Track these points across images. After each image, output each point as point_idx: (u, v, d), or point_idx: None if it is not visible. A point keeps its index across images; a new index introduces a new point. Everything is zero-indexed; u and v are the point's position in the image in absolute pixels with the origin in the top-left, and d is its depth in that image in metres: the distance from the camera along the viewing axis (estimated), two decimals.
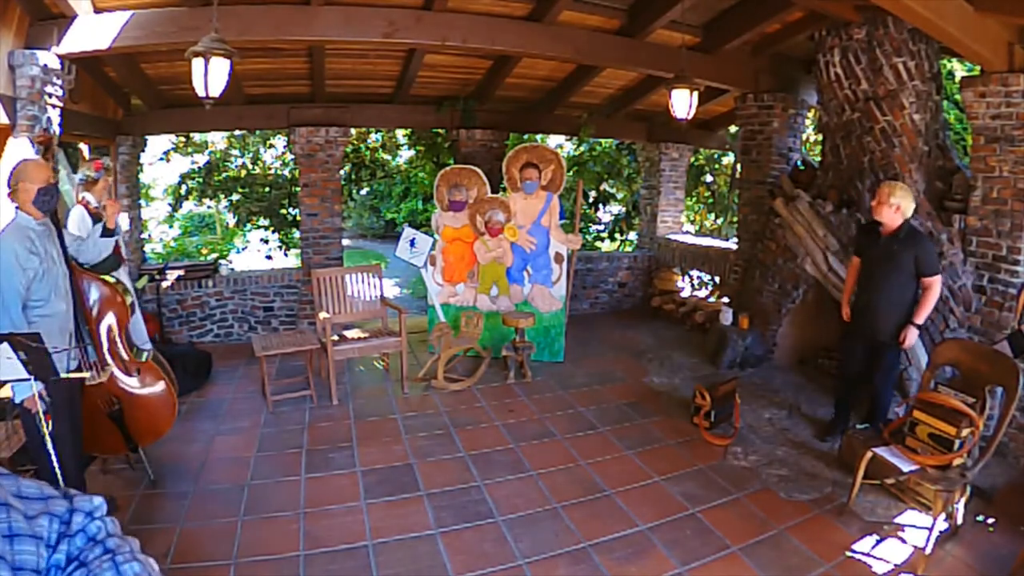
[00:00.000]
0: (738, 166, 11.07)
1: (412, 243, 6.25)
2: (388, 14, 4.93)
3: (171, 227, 12.55)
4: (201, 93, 3.58)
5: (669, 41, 6.24)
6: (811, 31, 6.13)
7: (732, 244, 8.53)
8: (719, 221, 11.00)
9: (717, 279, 7.88)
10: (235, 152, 10.12)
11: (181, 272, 6.93)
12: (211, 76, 3.56)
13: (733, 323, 6.83)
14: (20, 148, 4.25)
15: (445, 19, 5.10)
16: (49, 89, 4.49)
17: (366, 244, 21.73)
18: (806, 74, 6.93)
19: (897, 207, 4.16)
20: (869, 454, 3.72)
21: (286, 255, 10.32)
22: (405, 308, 5.74)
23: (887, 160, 5.52)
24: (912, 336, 4.30)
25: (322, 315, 5.39)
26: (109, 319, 3.58)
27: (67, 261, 3.28)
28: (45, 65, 4.42)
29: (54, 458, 2.72)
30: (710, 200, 11.03)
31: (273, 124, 7.35)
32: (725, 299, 7.53)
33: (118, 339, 3.63)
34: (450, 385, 5.68)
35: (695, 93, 5.03)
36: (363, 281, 5.98)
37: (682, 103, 5.05)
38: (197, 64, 3.56)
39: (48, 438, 2.73)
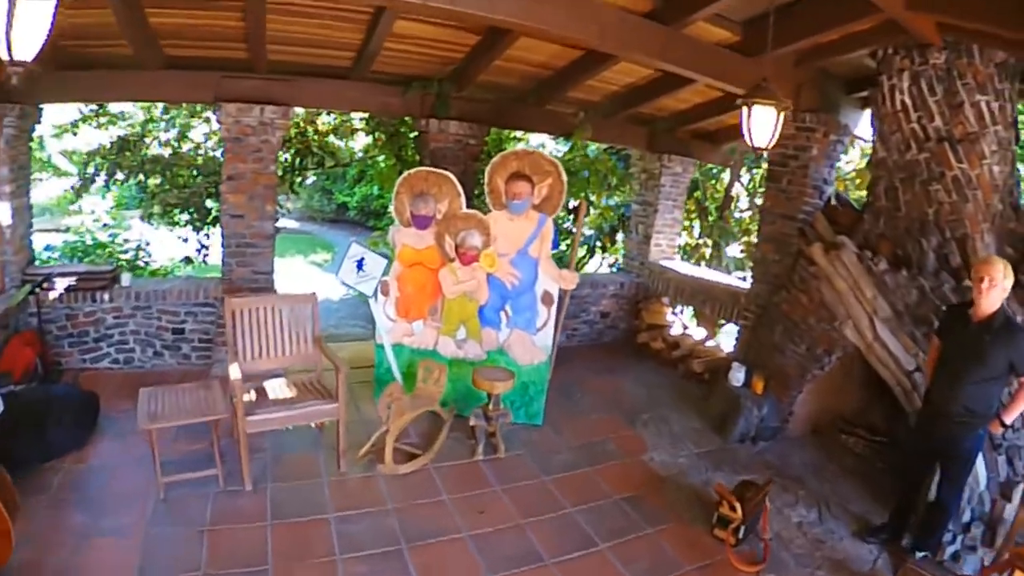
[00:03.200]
0: (735, 188, 10.07)
1: (359, 264, 4.78)
2: None
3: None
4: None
5: (705, 36, 5.02)
6: (876, 47, 5.07)
7: (737, 281, 7.35)
8: (704, 244, 9.81)
9: (736, 330, 6.61)
10: (160, 125, 8.36)
11: (72, 280, 5.39)
12: (20, 22, 2.05)
13: (745, 384, 5.67)
14: None
15: None
16: None
17: (314, 228, 20.27)
18: (846, 95, 5.89)
19: (1004, 290, 3.51)
20: None
21: (205, 261, 8.58)
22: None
23: (957, 216, 4.73)
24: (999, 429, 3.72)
25: (233, 373, 3.89)
26: None
27: None
28: None
29: None
30: (698, 221, 9.83)
31: (197, 96, 5.81)
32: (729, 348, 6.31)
33: None
34: (400, 468, 4.25)
35: (783, 114, 3.74)
36: (293, 314, 4.51)
37: (764, 126, 3.74)
38: None
39: None
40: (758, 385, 5.56)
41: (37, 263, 6.03)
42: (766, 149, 4.15)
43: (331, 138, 8.22)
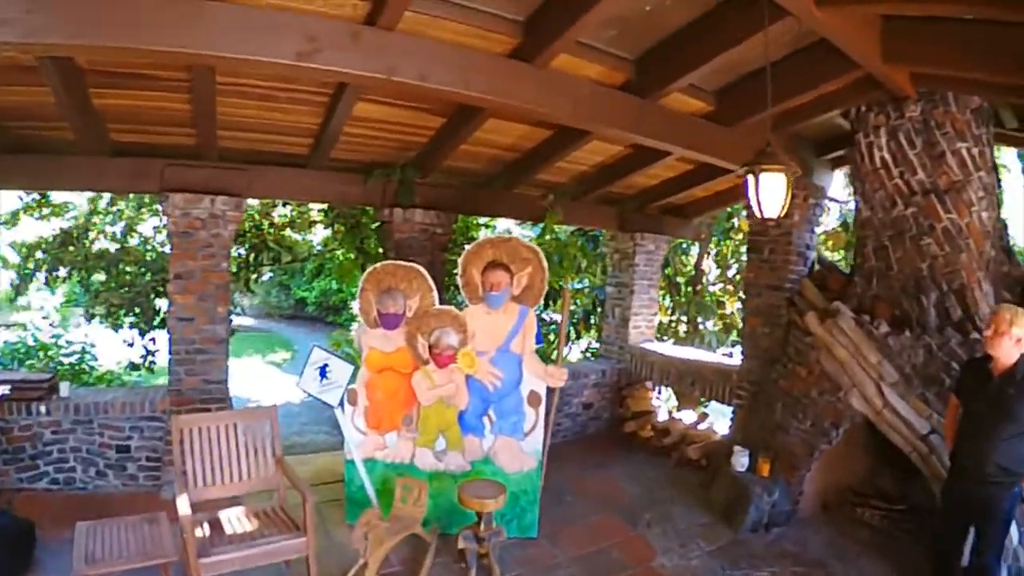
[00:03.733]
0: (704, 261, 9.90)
1: (323, 371, 4.28)
2: (309, 25, 3.14)
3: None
4: None
5: (680, 107, 4.85)
6: (849, 106, 5.03)
7: (724, 358, 7.02)
8: (678, 321, 9.52)
9: (730, 410, 6.23)
10: (106, 219, 7.81)
11: (5, 389, 4.80)
12: None
13: (749, 468, 5.29)
14: None
15: (394, 42, 3.33)
16: None
17: (272, 325, 19.58)
18: (816, 158, 5.84)
19: (1019, 339, 3.33)
20: None
21: (152, 368, 7.89)
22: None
23: (952, 268, 4.68)
24: None
25: (182, 506, 3.31)
26: None
27: None
28: None
29: None
30: (668, 297, 9.57)
31: (143, 186, 5.32)
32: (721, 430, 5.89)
33: None
34: None
35: (790, 180, 3.47)
36: (251, 432, 3.97)
37: (774, 194, 3.44)
38: None
39: None
40: (764, 468, 5.19)
41: None
42: (776, 219, 3.86)
43: (288, 231, 7.77)
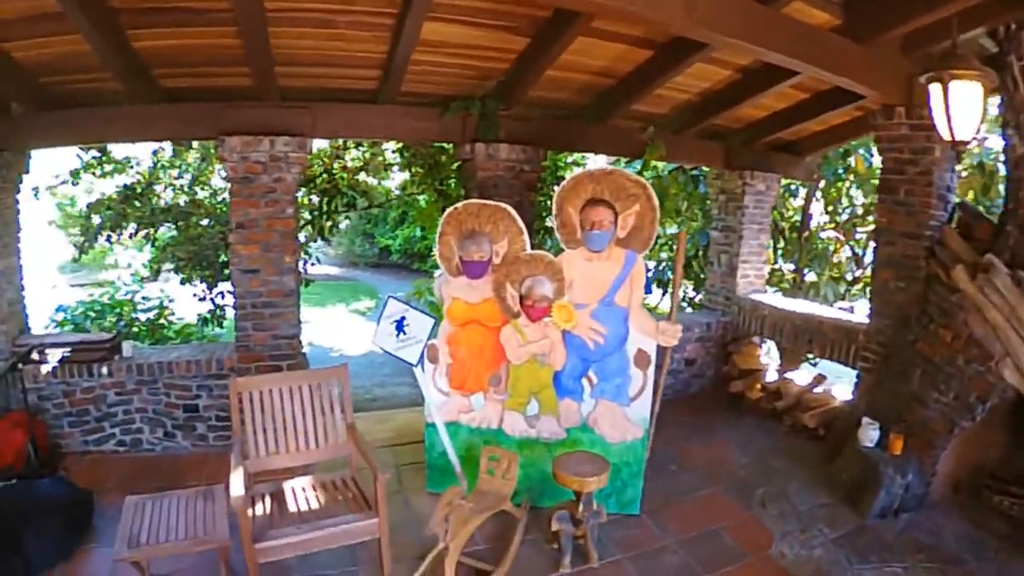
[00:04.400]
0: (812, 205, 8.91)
1: (399, 325, 3.79)
2: None
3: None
4: None
5: (806, 19, 4.04)
6: (996, 23, 4.07)
7: (848, 315, 6.19)
8: (787, 272, 8.61)
9: (855, 374, 5.46)
10: (172, 171, 7.55)
11: (65, 352, 4.64)
12: None
13: (878, 444, 4.56)
14: None
15: None
16: None
17: (357, 274, 19.66)
18: None
19: None
20: None
21: (222, 323, 7.67)
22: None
23: None
24: None
25: (235, 485, 2.91)
26: None
27: None
28: None
29: None
30: (778, 244, 8.65)
31: (196, 132, 4.98)
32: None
33: None
34: None
35: (987, 91, 2.67)
36: (319, 395, 3.54)
37: (967, 108, 2.65)
38: None
39: None
40: (896, 444, 4.44)
41: (53, 326, 5.25)
42: (967, 143, 3.05)
43: (363, 176, 7.28)
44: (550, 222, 7.24)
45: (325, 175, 6.60)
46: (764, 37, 3.70)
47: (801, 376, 6.47)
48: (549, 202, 7.23)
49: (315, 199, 6.68)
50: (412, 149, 6.69)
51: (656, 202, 3.59)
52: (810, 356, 6.97)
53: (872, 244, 8.90)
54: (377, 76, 4.72)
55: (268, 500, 3.30)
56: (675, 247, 3.73)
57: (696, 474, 4.81)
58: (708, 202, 7.84)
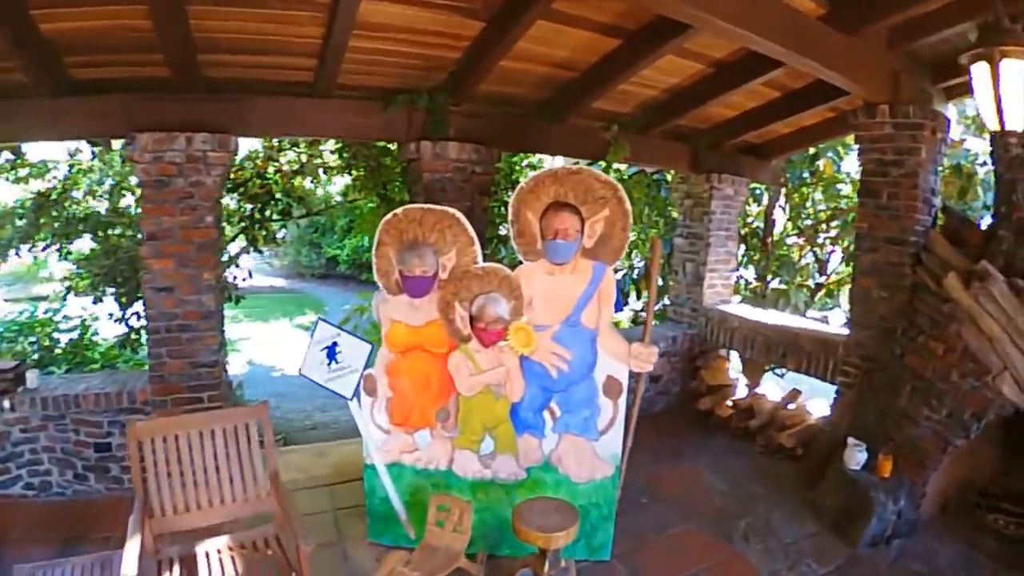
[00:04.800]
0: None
1: (331, 352, 3.25)
2: None
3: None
4: None
5: (792, 2, 3.69)
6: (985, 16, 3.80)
7: (823, 326, 5.86)
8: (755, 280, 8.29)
9: (834, 389, 5.11)
10: (89, 176, 6.78)
11: None
12: None
13: (866, 467, 4.22)
14: None
15: None
16: None
17: (303, 286, 18.97)
18: (933, 85, 4.66)
19: None
20: None
21: (136, 350, 6.83)
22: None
23: None
24: None
25: (129, 559, 2.32)
26: None
27: None
28: None
29: None
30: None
31: (107, 128, 4.27)
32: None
33: None
34: None
35: None
36: (234, 440, 2.97)
37: (1020, 91, 2.22)
38: None
39: None
40: (885, 466, 4.13)
41: None
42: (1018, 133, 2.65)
43: (301, 180, 6.58)
44: (505, 230, 6.77)
45: (257, 179, 5.95)
46: (754, 21, 3.35)
47: (772, 391, 6.11)
48: (504, 209, 6.75)
49: (247, 206, 5.99)
50: (353, 149, 6.08)
51: (628, 206, 3.09)
52: (771, 367, 6.65)
53: (832, 249, 8.82)
54: (312, 65, 4.17)
55: (177, 567, 2.73)
56: (651, 256, 3.23)
57: (670, 506, 4.37)
58: (670, 207, 7.46)
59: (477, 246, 3.28)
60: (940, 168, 4.82)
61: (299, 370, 3.36)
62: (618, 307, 3.24)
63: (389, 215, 3.23)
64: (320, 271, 19.49)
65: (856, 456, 4.23)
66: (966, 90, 4.63)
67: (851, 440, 4.32)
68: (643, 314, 3.24)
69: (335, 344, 3.26)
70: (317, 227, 16.97)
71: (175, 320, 4.14)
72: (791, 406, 5.74)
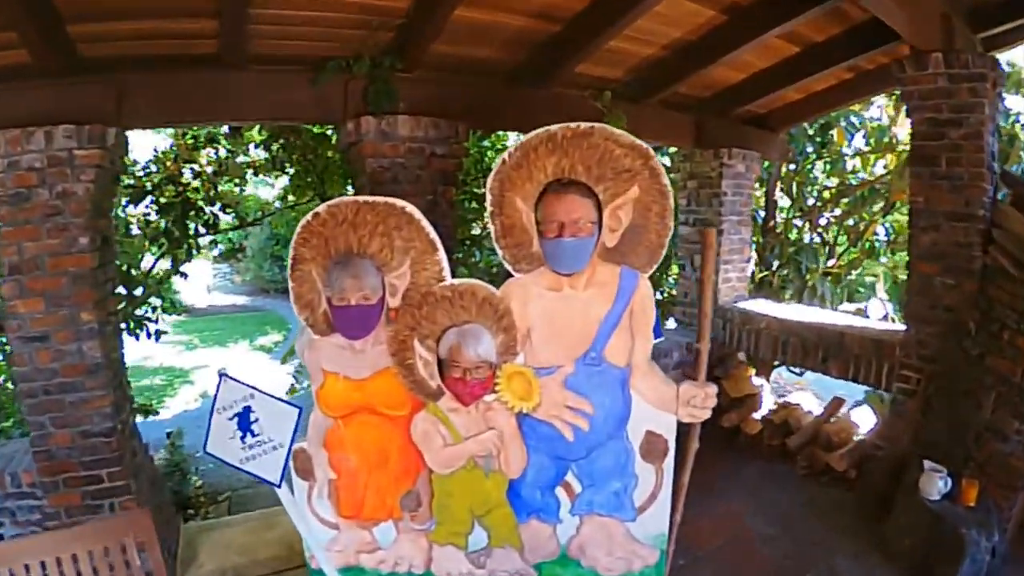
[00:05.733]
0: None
1: (243, 421, 2.22)
2: None
3: None
4: None
5: None
6: None
7: (870, 322, 5.01)
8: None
9: (890, 397, 4.26)
10: None
11: None
12: None
13: (948, 496, 3.45)
14: None
15: None
16: None
17: (267, 303, 18.00)
18: (975, 34, 3.88)
19: None
20: None
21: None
22: None
23: None
24: None
25: None
26: None
27: None
28: None
29: None
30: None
31: None
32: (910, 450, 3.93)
33: None
34: None
35: None
36: (105, 566, 1.95)
37: None
38: None
39: None
40: (970, 493, 3.38)
41: None
42: None
43: (224, 182, 5.39)
44: (480, 229, 5.75)
45: (171, 186, 4.83)
46: None
47: (806, 399, 5.21)
48: (477, 203, 5.69)
49: (163, 221, 4.86)
50: (281, 139, 4.98)
51: (666, 181, 2.07)
52: (776, 364, 5.82)
53: (838, 232, 8.02)
54: (214, 30, 3.14)
55: None
56: (704, 252, 2.16)
57: (714, 567, 3.46)
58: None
59: (442, 254, 2.20)
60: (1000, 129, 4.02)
61: (203, 447, 2.34)
62: (657, 332, 2.17)
63: (307, 217, 2.18)
64: (284, 286, 18.26)
65: (936, 484, 3.43)
66: (1009, 40, 3.91)
67: (928, 464, 3.50)
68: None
69: (248, 410, 2.24)
70: (278, 239, 15.78)
71: (54, 379, 3.11)
72: (834, 418, 4.85)
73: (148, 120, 3.42)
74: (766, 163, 6.85)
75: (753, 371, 5.31)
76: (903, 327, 4.24)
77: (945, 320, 3.84)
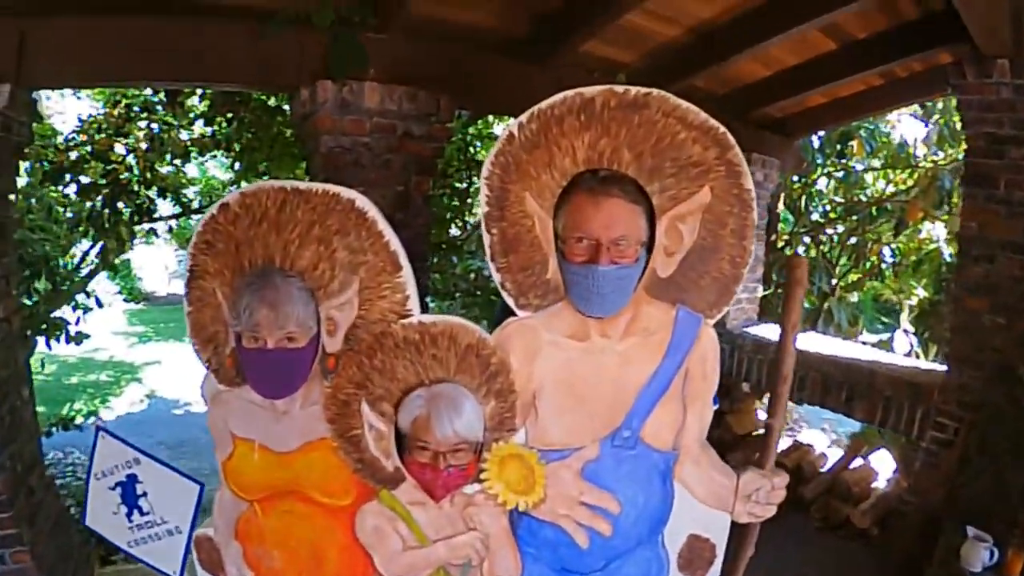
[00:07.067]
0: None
1: (128, 493, 1.57)
2: None
3: None
4: None
5: None
6: None
7: (904, 360, 4.55)
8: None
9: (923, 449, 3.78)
10: None
11: None
12: None
13: (993, 568, 3.03)
14: None
15: None
16: None
17: None
18: None
19: None
20: None
21: None
22: None
23: None
24: None
25: None
26: None
27: None
28: None
29: None
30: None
31: None
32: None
33: None
34: None
35: None
36: None
37: None
38: None
39: None
40: (1015, 566, 2.99)
41: None
42: None
43: (165, 161, 4.62)
44: (460, 230, 5.13)
45: (98, 163, 4.03)
46: None
47: (819, 440, 4.68)
48: (458, 201, 4.99)
49: (89, 204, 4.10)
50: (227, 109, 4.23)
51: (750, 184, 1.42)
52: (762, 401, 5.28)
53: (840, 251, 7.61)
54: None
55: None
56: (790, 288, 1.47)
57: None
58: None
59: (407, 275, 1.48)
60: None
61: (85, 522, 1.68)
62: (715, 400, 1.54)
63: (210, 210, 1.47)
64: None
65: (981, 555, 3.02)
66: None
67: (972, 531, 3.08)
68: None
69: (133, 479, 1.59)
70: None
71: None
72: (852, 465, 4.33)
73: (54, 78, 2.73)
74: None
75: (761, 404, 4.77)
76: (942, 367, 3.81)
77: (992, 363, 3.41)
